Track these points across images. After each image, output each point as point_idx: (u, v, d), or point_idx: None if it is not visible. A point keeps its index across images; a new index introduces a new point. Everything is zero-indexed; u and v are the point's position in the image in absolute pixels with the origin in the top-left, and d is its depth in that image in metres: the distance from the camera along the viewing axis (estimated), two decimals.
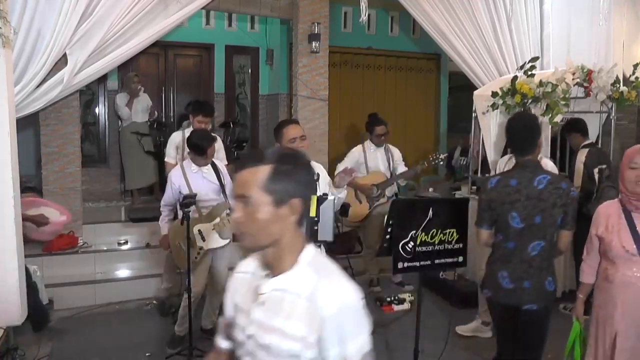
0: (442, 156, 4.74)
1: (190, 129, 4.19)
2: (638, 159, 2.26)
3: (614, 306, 2.33)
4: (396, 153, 4.93)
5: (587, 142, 4.48)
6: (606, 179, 4.56)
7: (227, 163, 4.34)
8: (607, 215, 2.38)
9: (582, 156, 4.34)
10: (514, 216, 2.47)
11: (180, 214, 3.47)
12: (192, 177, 3.62)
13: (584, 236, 4.47)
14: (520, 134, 2.56)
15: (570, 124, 4.57)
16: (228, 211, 3.69)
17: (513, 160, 3.66)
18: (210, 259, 3.71)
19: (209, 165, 3.69)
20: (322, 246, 2.80)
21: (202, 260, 3.63)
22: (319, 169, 3.13)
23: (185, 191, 3.55)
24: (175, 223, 3.65)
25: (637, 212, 2.29)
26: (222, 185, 3.70)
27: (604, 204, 2.46)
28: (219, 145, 4.45)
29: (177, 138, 4.44)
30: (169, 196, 3.68)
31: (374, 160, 4.85)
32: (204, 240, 3.59)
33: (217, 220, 3.60)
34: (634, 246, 2.24)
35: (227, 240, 3.69)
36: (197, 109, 4.24)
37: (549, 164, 3.74)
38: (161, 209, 3.78)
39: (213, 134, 3.89)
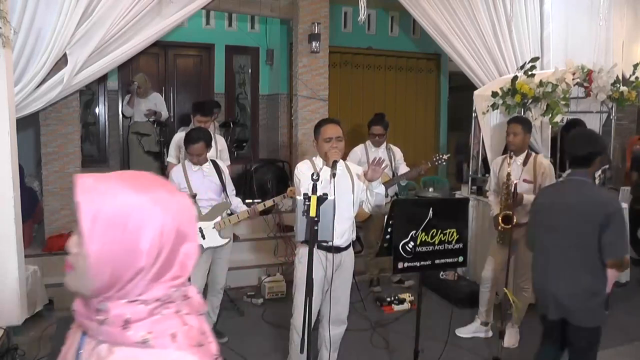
0: (445, 157, 4.73)
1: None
2: None
3: None
4: (397, 152, 4.91)
5: None
6: (607, 180, 4.57)
7: (229, 164, 4.34)
8: None
9: None
10: None
11: None
12: (192, 176, 3.62)
13: None
14: None
15: (569, 126, 4.55)
16: (229, 211, 3.70)
17: (508, 160, 3.68)
18: (210, 258, 3.71)
19: (210, 165, 3.69)
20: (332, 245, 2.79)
21: (201, 260, 3.62)
22: (354, 168, 3.04)
23: (185, 189, 3.55)
24: None
25: (90, 337, 0.92)
26: (223, 185, 3.70)
27: None
28: (222, 146, 4.46)
29: (178, 138, 4.43)
30: None
31: None
32: (204, 239, 3.59)
33: (218, 219, 3.61)
34: None
35: (227, 240, 3.69)
36: (195, 109, 4.28)
37: (544, 162, 3.74)
38: None
39: (219, 135, 3.86)
